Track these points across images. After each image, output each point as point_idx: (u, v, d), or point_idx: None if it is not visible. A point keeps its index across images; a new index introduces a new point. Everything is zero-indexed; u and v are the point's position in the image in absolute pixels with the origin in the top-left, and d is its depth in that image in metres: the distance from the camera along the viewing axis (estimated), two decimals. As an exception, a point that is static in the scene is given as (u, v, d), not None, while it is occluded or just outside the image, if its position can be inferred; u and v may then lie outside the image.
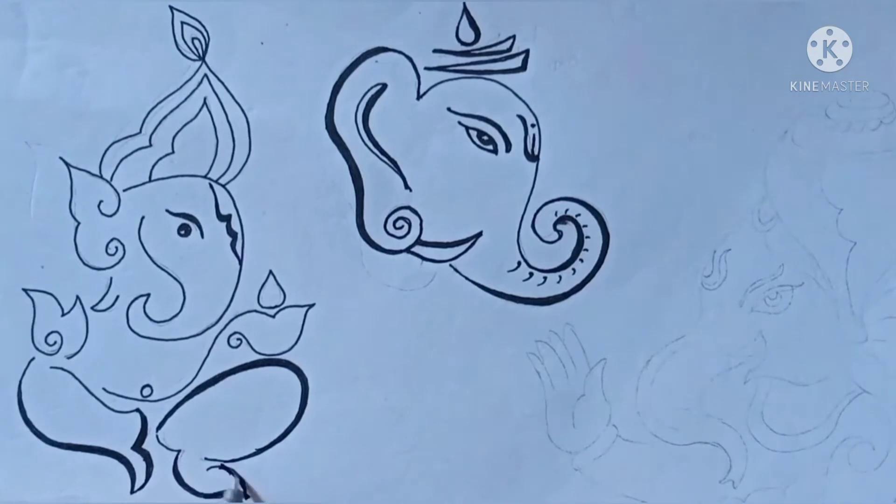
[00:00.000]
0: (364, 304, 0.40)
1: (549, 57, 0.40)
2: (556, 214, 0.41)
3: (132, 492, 0.39)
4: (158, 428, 0.39)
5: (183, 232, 0.39)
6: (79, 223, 0.39)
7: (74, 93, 0.39)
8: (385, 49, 0.40)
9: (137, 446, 0.39)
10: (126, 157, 0.39)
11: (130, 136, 0.39)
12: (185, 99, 0.39)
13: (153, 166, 0.39)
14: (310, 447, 0.39)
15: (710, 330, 0.41)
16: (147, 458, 0.39)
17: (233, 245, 0.39)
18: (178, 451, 0.39)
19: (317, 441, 0.39)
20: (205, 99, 0.39)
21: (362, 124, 0.40)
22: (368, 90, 0.40)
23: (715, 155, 0.41)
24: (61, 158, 0.39)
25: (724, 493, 0.42)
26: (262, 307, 0.40)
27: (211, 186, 0.39)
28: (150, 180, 0.39)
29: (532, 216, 0.41)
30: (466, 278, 0.40)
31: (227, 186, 0.39)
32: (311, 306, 0.40)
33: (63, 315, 0.39)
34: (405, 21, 0.40)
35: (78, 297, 0.39)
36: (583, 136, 0.41)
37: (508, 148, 0.40)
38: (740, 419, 0.41)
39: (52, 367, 0.39)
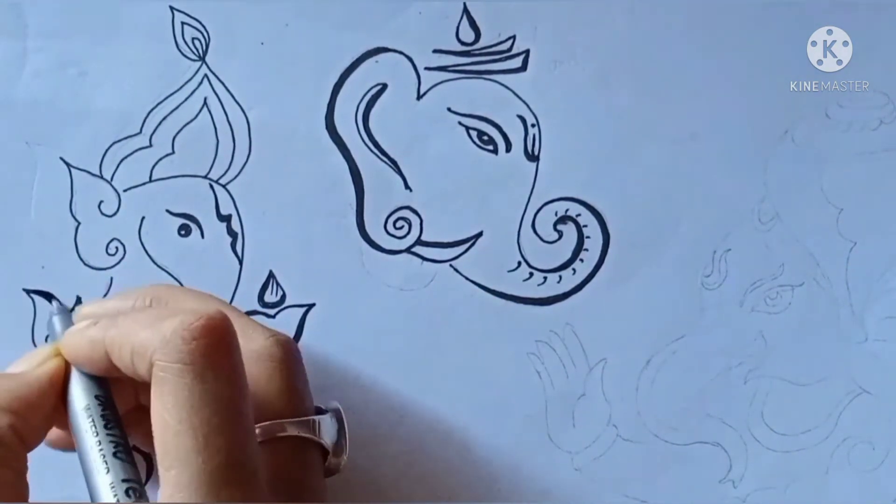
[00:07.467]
0: (364, 304, 0.40)
1: (549, 57, 0.40)
2: (556, 214, 0.41)
3: (132, 492, 0.39)
4: (159, 428, 0.39)
5: (183, 232, 0.39)
6: (79, 223, 0.39)
7: (74, 93, 0.39)
8: (385, 49, 0.40)
9: (138, 446, 0.39)
10: (126, 157, 0.39)
11: (131, 136, 0.39)
12: (186, 99, 0.39)
13: (153, 166, 0.39)
14: (310, 447, 0.39)
15: (710, 330, 0.41)
16: (147, 458, 0.39)
17: (233, 245, 0.39)
18: (179, 451, 0.39)
19: (317, 441, 0.39)
20: (205, 99, 0.39)
21: (362, 124, 0.40)
22: (368, 90, 0.40)
23: (715, 155, 0.41)
24: (61, 158, 0.39)
25: (724, 492, 0.42)
26: (262, 307, 0.40)
27: (211, 187, 0.39)
28: (150, 180, 0.39)
29: (532, 216, 0.41)
30: (467, 278, 0.40)
31: (228, 186, 0.39)
32: (311, 306, 0.40)
33: (63, 315, 0.38)
34: (405, 21, 0.40)
35: (78, 298, 0.39)
36: (583, 136, 0.41)
37: (508, 148, 0.40)
38: (740, 419, 0.41)
39: (52, 367, 0.38)
